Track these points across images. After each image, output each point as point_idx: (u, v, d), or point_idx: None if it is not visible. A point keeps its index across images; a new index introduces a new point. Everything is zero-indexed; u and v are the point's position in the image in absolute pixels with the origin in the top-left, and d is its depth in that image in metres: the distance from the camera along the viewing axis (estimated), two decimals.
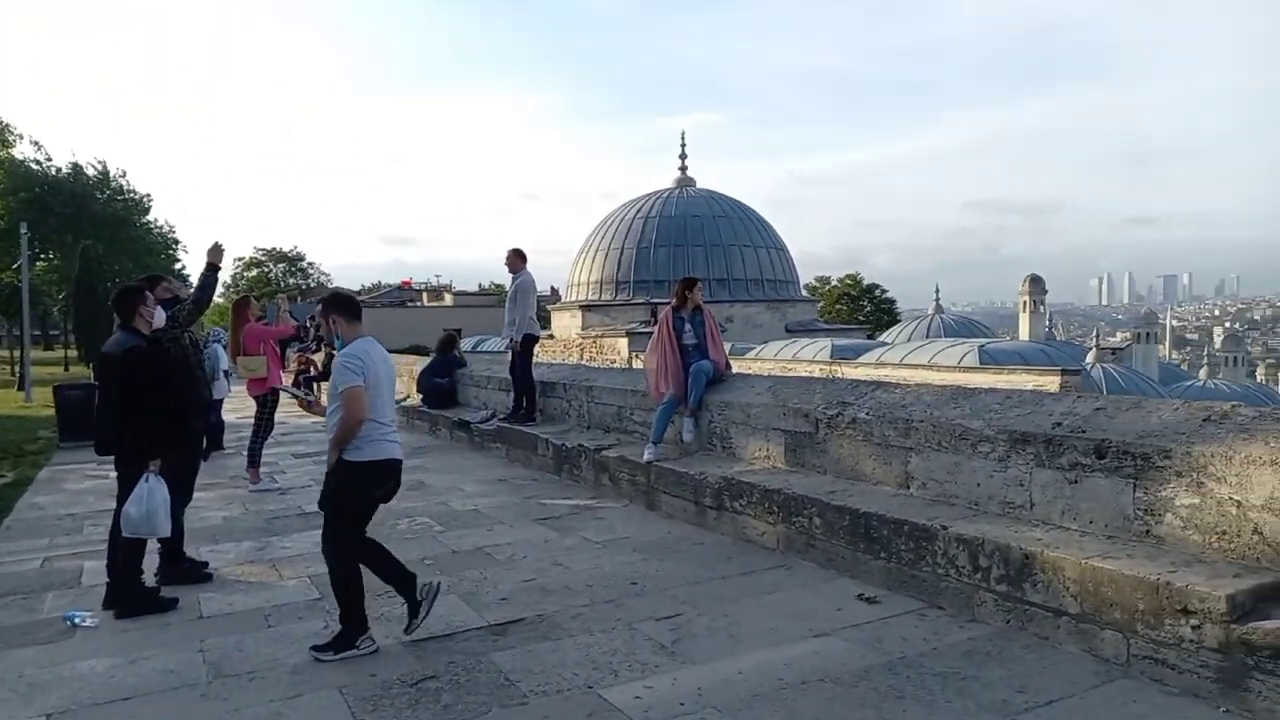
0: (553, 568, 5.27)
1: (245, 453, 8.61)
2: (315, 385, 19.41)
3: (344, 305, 4.27)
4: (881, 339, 29.37)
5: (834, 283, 60.76)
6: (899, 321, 44.61)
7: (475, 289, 71.20)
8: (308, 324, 23.80)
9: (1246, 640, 3.02)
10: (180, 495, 5.19)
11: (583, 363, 30.09)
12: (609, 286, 33.81)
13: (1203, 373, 41.63)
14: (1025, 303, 35.15)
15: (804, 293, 37.96)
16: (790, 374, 19.85)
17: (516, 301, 9.23)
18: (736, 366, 7.96)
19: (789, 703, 3.30)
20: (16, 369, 34.71)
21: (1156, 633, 3.30)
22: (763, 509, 5.44)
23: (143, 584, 4.87)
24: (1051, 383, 15.16)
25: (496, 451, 9.64)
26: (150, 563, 5.05)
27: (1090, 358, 27.78)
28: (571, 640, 4.04)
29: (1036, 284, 35.49)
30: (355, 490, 4.06)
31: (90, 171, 41.66)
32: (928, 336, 26.60)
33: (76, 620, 4.59)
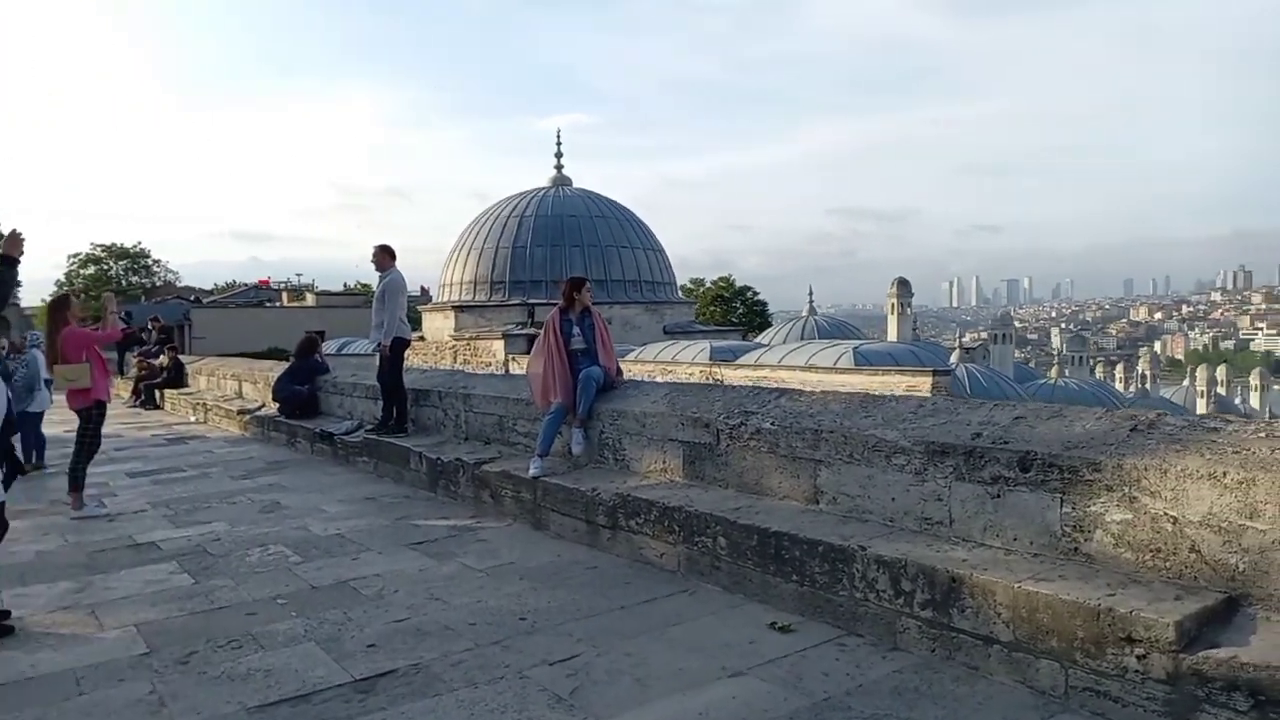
0: (429, 603, 4.67)
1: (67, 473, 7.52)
2: (159, 393, 17.75)
3: None
4: (758, 340, 29.76)
5: (708, 285, 61.55)
6: (771, 323, 45.53)
7: (340, 289, 68.09)
8: (149, 326, 21.87)
9: (1198, 671, 2.81)
10: None
11: (457, 366, 29.09)
12: (483, 287, 32.81)
13: (1053, 371, 44.57)
14: (893, 305, 36.48)
15: (680, 295, 38.09)
16: (670, 376, 19.66)
17: (385, 302, 8.49)
18: None
19: None
20: None
21: (1098, 663, 3.06)
22: (662, 528, 5.02)
23: None
24: (924, 383, 15.54)
25: (364, 466, 8.85)
26: None
27: (954, 358, 29.02)
28: (453, 696, 3.48)
29: (904, 287, 36.88)
30: None
31: None
32: (802, 338, 27.12)
33: None
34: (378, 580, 5.13)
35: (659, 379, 19.31)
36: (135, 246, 64.31)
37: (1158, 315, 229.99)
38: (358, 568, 5.42)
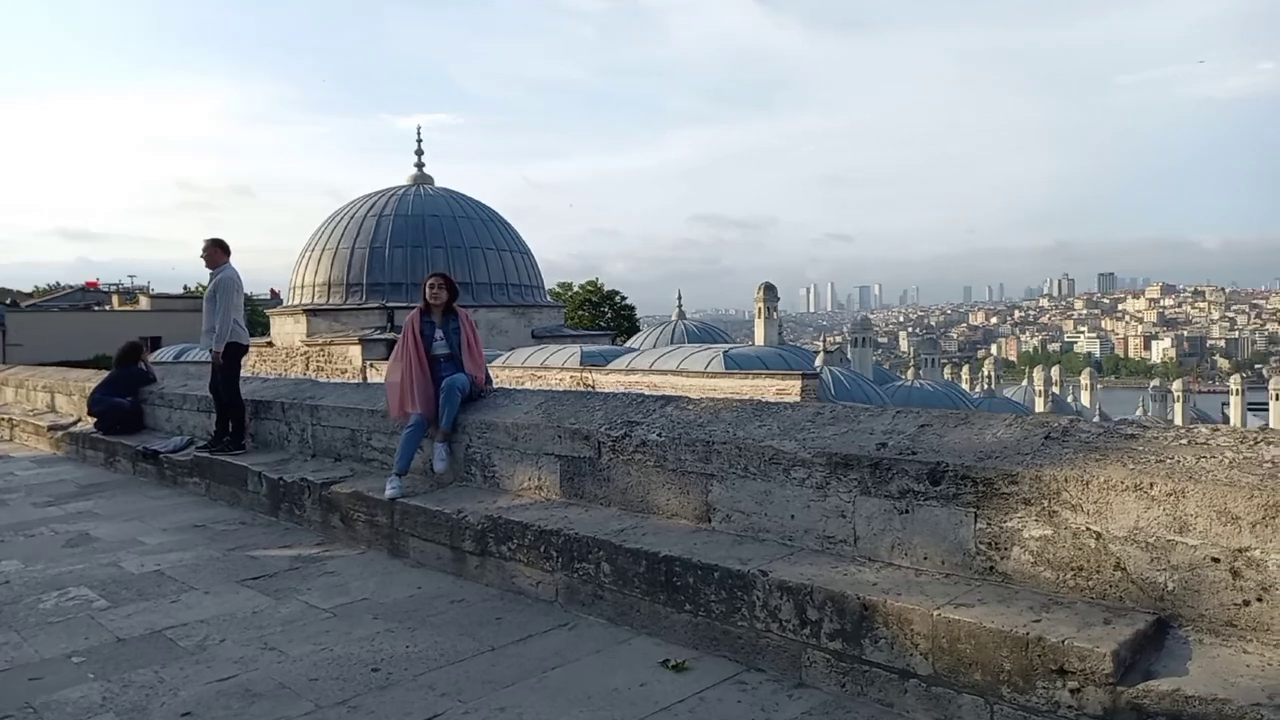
0: (263, 654, 3.96)
1: None
2: None
3: None
4: (628, 345, 29.52)
5: (576, 289, 61.06)
6: (639, 328, 45.51)
7: (180, 291, 63.31)
8: None
9: (1137, 705, 2.55)
10: None
11: (309, 375, 27.41)
12: (338, 289, 31.02)
13: (910, 373, 46.70)
14: (760, 309, 37.14)
15: (548, 298, 37.40)
16: (540, 381, 19.06)
17: (217, 302, 7.55)
18: None
19: None
20: None
21: (1027, 697, 2.78)
22: (538, 554, 4.49)
23: None
24: (794, 387, 15.61)
25: (194, 488, 7.84)
26: None
27: (819, 361, 29.74)
28: None
29: (770, 292, 37.64)
30: None
31: None
32: (672, 342, 27.06)
33: None
34: (201, 628, 4.36)
35: (529, 385, 18.67)
36: None
37: (994, 320, 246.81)
38: (178, 612, 4.61)
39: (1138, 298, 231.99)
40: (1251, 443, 2.89)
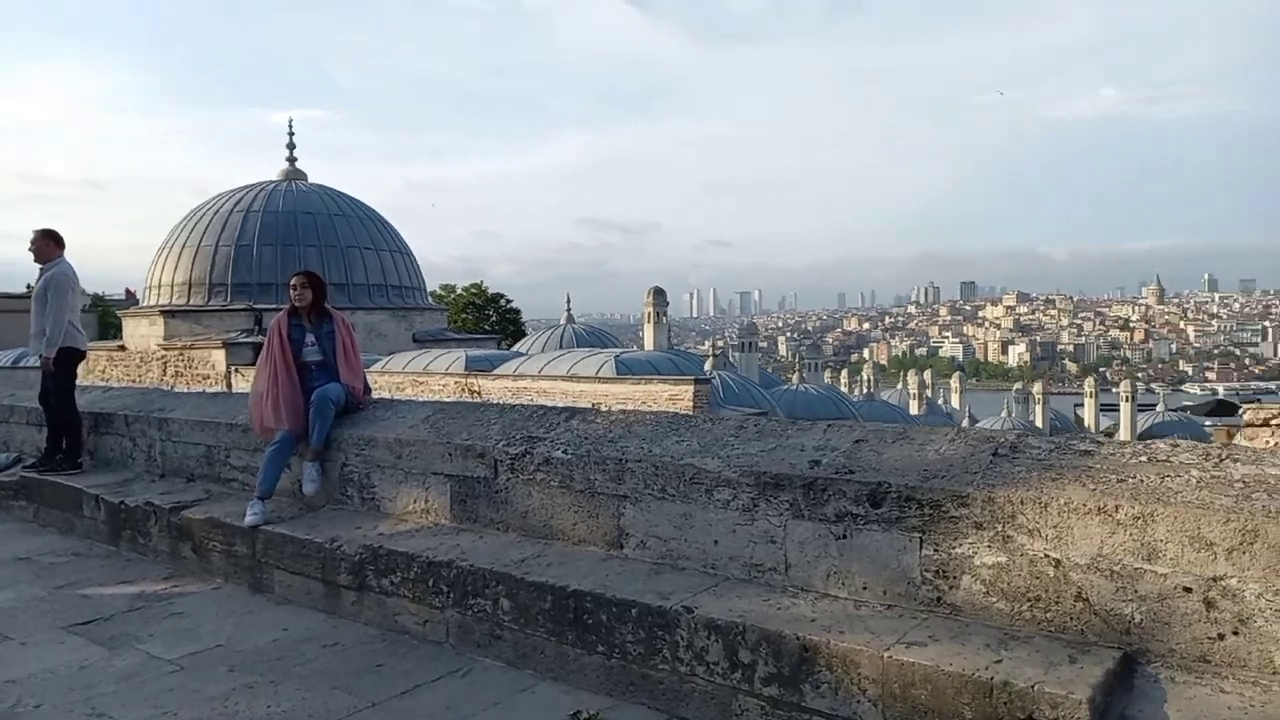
0: None
1: None
2: None
3: None
4: (516, 349, 28.74)
5: (459, 291, 59.52)
6: (526, 332, 44.66)
7: (20, 291, 57.97)
8: None
9: None
10: None
11: (166, 380, 25.42)
12: (200, 289, 28.86)
13: (794, 377, 47.63)
14: (650, 314, 37.01)
15: (431, 301, 36.10)
16: (423, 388, 18.19)
17: (49, 302, 6.59)
18: None
19: None
20: None
21: None
22: (425, 588, 3.96)
23: None
24: (686, 392, 15.42)
25: (20, 514, 6.83)
26: None
27: (708, 365, 29.81)
28: None
29: (660, 296, 37.56)
30: None
31: None
32: (561, 346, 26.49)
33: None
34: (12, 690, 3.62)
35: (410, 392, 17.77)
36: None
37: (866, 325, 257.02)
38: None
39: (996, 305, 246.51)
40: (1217, 460, 2.69)
